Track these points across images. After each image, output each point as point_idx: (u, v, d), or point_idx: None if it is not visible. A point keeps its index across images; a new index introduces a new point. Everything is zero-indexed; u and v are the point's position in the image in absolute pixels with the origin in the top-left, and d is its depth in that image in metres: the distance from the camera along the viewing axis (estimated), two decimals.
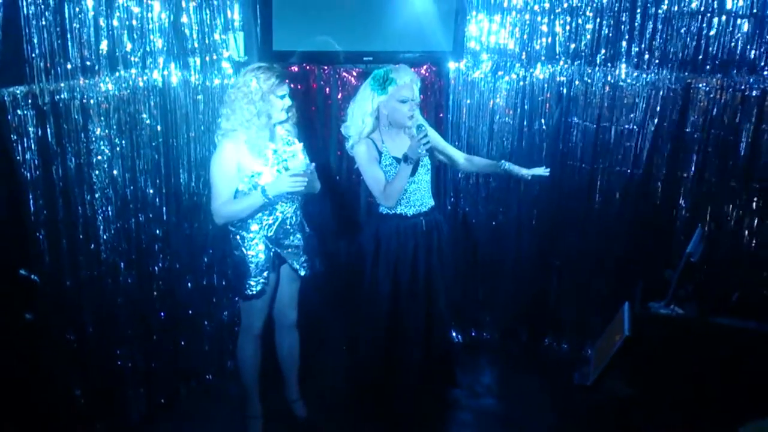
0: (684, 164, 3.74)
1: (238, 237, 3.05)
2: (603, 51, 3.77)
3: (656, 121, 3.74)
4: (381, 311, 3.37)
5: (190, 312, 3.69)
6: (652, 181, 3.84)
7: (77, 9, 2.84)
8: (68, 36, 2.82)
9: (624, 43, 3.71)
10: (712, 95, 3.59)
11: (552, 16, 3.80)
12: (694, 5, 3.52)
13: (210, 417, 3.56)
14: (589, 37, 3.77)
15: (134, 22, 3.11)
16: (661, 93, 3.70)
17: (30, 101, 2.69)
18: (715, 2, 3.47)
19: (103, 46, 2.98)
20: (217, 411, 3.59)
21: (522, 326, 4.34)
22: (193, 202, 3.56)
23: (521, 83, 3.94)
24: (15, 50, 2.63)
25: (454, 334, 4.25)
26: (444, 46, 3.82)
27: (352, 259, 3.66)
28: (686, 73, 3.63)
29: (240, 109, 2.93)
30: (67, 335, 3.03)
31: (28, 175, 2.75)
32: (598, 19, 3.73)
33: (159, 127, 3.32)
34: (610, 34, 3.73)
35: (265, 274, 3.08)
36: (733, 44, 3.49)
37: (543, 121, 3.98)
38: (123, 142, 3.15)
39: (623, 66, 3.74)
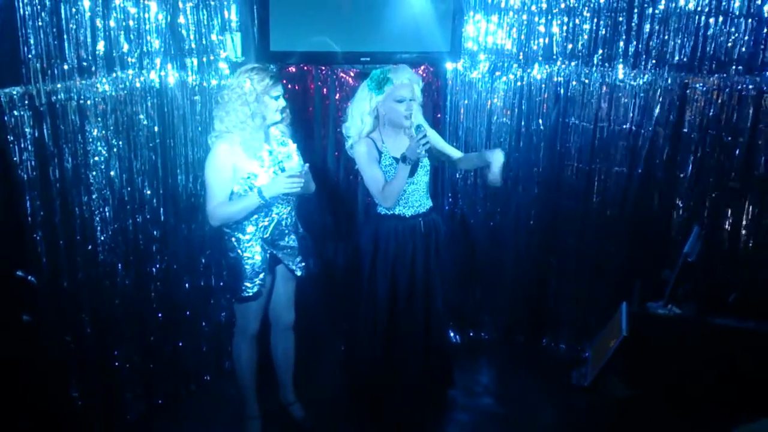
0: (681, 164, 3.74)
1: (233, 239, 3.04)
2: (600, 51, 3.77)
3: (653, 121, 3.74)
4: (379, 312, 3.37)
5: (188, 313, 3.68)
6: (649, 181, 3.85)
7: (74, 10, 2.83)
8: (65, 37, 2.81)
9: (621, 44, 3.72)
10: (709, 95, 3.59)
11: (549, 17, 3.80)
12: (690, 5, 3.52)
13: (208, 418, 3.55)
14: (586, 37, 3.78)
15: (131, 23, 3.10)
16: (658, 93, 3.70)
17: (27, 102, 2.69)
18: (712, 2, 3.48)
19: (100, 46, 2.98)
20: (216, 412, 3.59)
21: (520, 326, 4.34)
22: (190, 203, 3.55)
23: (519, 84, 3.95)
24: (11, 51, 2.63)
25: (452, 334, 4.25)
26: (441, 47, 3.82)
27: (350, 259, 3.66)
28: (683, 73, 3.63)
29: (234, 111, 2.92)
30: (64, 336, 3.03)
31: (25, 176, 2.74)
32: (595, 20, 3.73)
33: (156, 128, 3.32)
34: (608, 35, 3.74)
35: (261, 275, 3.07)
36: (730, 44, 3.49)
37: (540, 121, 3.98)
38: (120, 143, 3.15)
39: (620, 66, 3.75)
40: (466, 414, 3.68)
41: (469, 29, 3.88)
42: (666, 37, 3.62)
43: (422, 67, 3.86)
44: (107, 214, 3.14)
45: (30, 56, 2.68)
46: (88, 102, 2.95)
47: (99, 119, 3.02)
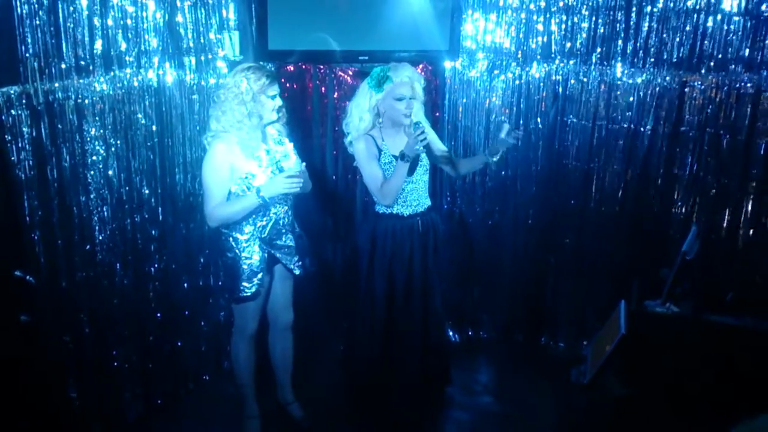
0: (679, 163, 3.75)
1: (230, 239, 3.03)
2: (598, 50, 3.77)
3: (652, 119, 3.75)
4: (376, 310, 3.37)
5: (187, 312, 3.68)
6: (647, 180, 3.85)
7: (71, 8, 2.82)
8: (62, 35, 2.80)
9: (620, 42, 3.72)
10: (707, 93, 3.59)
11: (548, 15, 3.80)
12: (689, 3, 3.53)
13: (207, 417, 3.55)
14: (584, 35, 3.78)
15: (129, 22, 3.09)
16: (656, 91, 3.71)
17: (24, 101, 2.68)
18: (710, 0, 3.48)
19: (98, 45, 2.96)
20: (214, 411, 3.59)
21: (518, 325, 4.35)
22: (188, 202, 3.55)
23: (517, 82, 3.95)
24: (9, 50, 2.62)
25: (450, 333, 4.26)
26: (440, 45, 3.82)
27: (348, 258, 3.66)
28: (682, 72, 3.64)
29: (231, 110, 2.91)
30: (63, 336, 3.02)
31: (23, 175, 2.73)
32: (593, 18, 3.73)
33: (154, 127, 3.31)
34: (606, 33, 3.74)
35: (259, 275, 3.07)
36: (728, 42, 3.49)
37: (539, 120, 3.99)
38: (118, 142, 3.14)
39: (619, 65, 3.75)
40: (464, 412, 3.68)
41: (468, 28, 3.88)
42: (664, 35, 3.62)
43: (420, 66, 3.85)
44: (105, 213, 3.13)
45: (27, 55, 2.66)
46: (86, 101, 2.94)
47: (97, 118, 3.01)
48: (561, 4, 3.76)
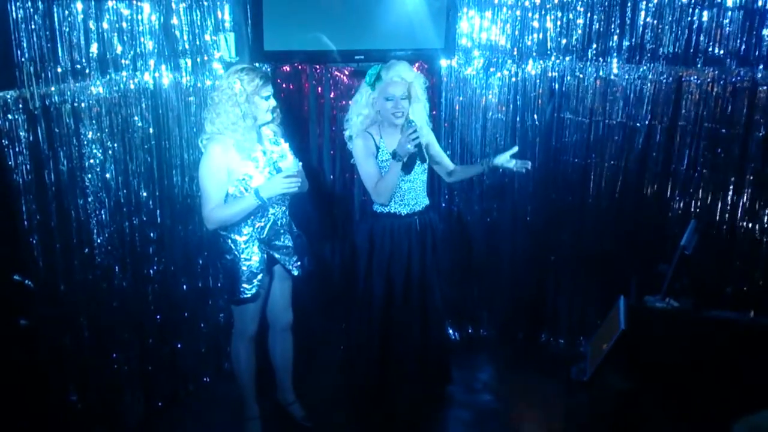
0: (677, 157, 3.75)
1: (229, 241, 3.03)
2: (594, 46, 3.77)
3: (648, 114, 3.75)
4: (375, 309, 3.38)
5: (186, 314, 3.67)
6: (645, 175, 3.85)
7: (66, 12, 2.82)
8: (58, 39, 2.80)
9: (615, 38, 3.72)
10: (704, 88, 3.59)
11: (543, 12, 3.81)
12: None
13: (208, 419, 3.55)
14: (580, 32, 3.78)
15: (124, 25, 3.09)
16: (653, 87, 3.70)
17: (21, 105, 2.68)
18: None
19: (94, 49, 2.96)
20: (215, 413, 3.59)
21: (518, 323, 4.34)
22: (186, 204, 3.55)
23: (513, 79, 3.95)
24: (4, 54, 2.61)
25: (450, 331, 4.26)
26: (435, 44, 3.82)
27: (347, 257, 3.66)
28: (678, 66, 3.63)
29: (225, 112, 2.90)
30: (62, 340, 3.02)
31: (20, 179, 2.73)
32: (588, 14, 3.74)
33: (151, 130, 3.31)
34: (601, 29, 3.74)
35: (259, 276, 3.06)
36: (723, 37, 3.49)
37: (536, 116, 3.99)
38: (115, 145, 3.14)
39: (615, 60, 3.75)
40: (465, 411, 3.68)
41: (463, 26, 3.89)
42: (660, 30, 3.62)
43: (416, 65, 3.86)
44: (103, 216, 3.13)
45: (23, 59, 2.66)
46: (83, 104, 2.94)
47: (93, 122, 3.01)
48: (556, 0, 3.76)
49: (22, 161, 2.72)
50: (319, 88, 3.97)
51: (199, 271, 3.70)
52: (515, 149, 3.32)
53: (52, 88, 2.79)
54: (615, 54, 3.74)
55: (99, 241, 3.12)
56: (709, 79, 3.56)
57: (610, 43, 3.73)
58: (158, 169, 3.39)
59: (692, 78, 3.61)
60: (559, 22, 3.80)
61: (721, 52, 3.51)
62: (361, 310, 3.44)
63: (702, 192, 3.72)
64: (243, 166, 2.93)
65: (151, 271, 3.46)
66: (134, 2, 3.12)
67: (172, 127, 3.41)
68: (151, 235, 3.42)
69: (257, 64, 3.60)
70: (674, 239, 3.51)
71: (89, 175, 3.03)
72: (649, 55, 3.67)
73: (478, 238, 4.24)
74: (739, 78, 3.49)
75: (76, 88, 2.90)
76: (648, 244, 3.85)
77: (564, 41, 3.82)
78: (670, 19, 3.58)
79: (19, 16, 2.63)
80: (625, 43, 3.70)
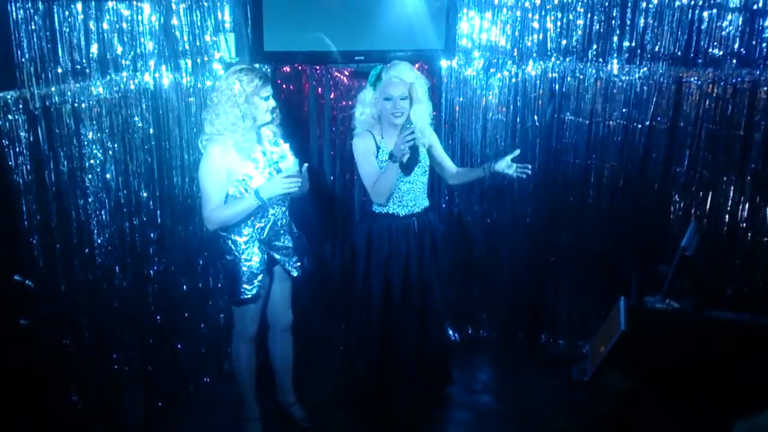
0: (677, 158, 3.75)
1: (229, 242, 3.03)
2: (594, 46, 3.77)
3: (649, 115, 3.75)
4: (373, 310, 3.39)
5: (186, 315, 3.67)
6: (645, 176, 3.85)
7: (67, 13, 2.82)
8: (58, 40, 2.80)
9: (615, 39, 3.72)
10: (704, 89, 3.60)
11: (543, 13, 3.80)
12: None
13: (208, 420, 3.55)
14: (580, 33, 3.78)
15: (124, 25, 3.09)
16: (653, 88, 3.71)
17: (21, 106, 2.68)
18: None
19: (94, 49, 2.96)
20: (215, 413, 3.58)
21: (518, 323, 4.34)
22: (187, 204, 3.54)
23: (513, 80, 3.95)
24: (5, 55, 2.62)
25: (450, 332, 4.26)
26: (436, 44, 3.82)
27: (347, 258, 3.67)
28: (678, 67, 3.64)
29: (225, 113, 2.90)
30: (63, 340, 3.02)
31: (21, 180, 2.73)
32: (589, 15, 3.74)
33: (151, 130, 3.31)
34: (602, 30, 3.74)
35: (260, 277, 3.06)
36: (724, 37, 3.49)
37: (536, 117, 3.99)
38: (115, 145, 3.14)
39: (615, 61, 3.75)
40: (465, 411, 3.67)
41: (463, 26, 3.89)
42: (660, 31, 3.62)
43: (417, 65, 3.85)
44: (104, 217, 3.13)
45: (23, 60, 2.66)
46: (83, 105, 2.94)
47: (94, 122, 3.01)
48: (556, 1, 3.76)
49: (22, 161, 2.72)
50: (319, 89, 3.98)
51: (199, 271, 3.70)
52: (516, 152, 3.29)
53: (53, 89, 2.79)
54: (615, 55, 3.74)
55: (99, 241, 3.12)
56: (709, 80, 3.57)
57: (611, 44, 3.74)
58: (158, 170, 3.39)
59: (692, 79, 3.62)
60: (559, 23, 3.80)
61: (721, 53, 3.51)
62: (360, 310, 3.44)
63: (702, 193, 3.72)
64: (243, 166, 2.93)
65: (152, 272, 3.46)
66: (134, 3, 3.12)
67: (173, 128, 3.41)
68: (152, 235, 3.42)
69: (257, 65, 3.59)
70: (674, 240, 3.51)
71: (89, 176, 3.03)
72: (649, 56, 3.68)
73: (479, 239, 4.24)
74: (739, 79, 3.49)
75: (77, 88, 2.90)
76: (648, 245, 3.85)
77: (564, 42, 3.82)
78: (670, 20, 3.58)
79: (20, 16, 2.63)
80: (625, 44, 3.71)
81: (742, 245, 3.63)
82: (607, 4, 3.69)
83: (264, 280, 3.10)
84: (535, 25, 3.83)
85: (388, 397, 3.51)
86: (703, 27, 3.53)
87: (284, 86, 3.92)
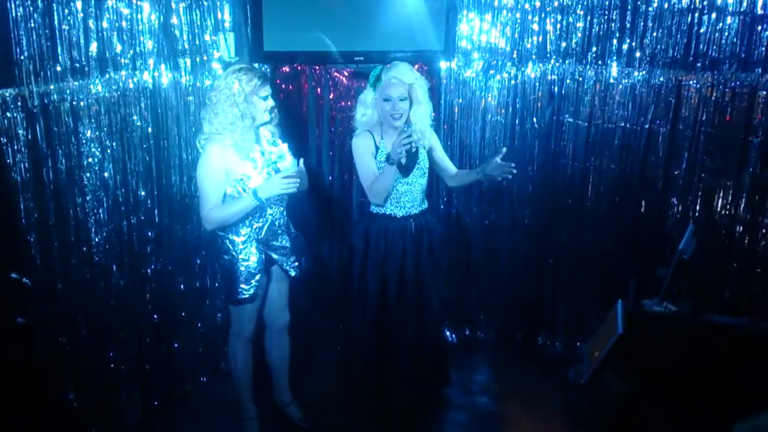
0: (676, 161, 3.75)
1: (227, 242, 3.03)
2: (594, 49, 3.77)
3: (648, 118, 3.75)
4: (369, 310, 3.38)
5: (184, 314, 3.67)
6: (644, 179, 3.85)
7: (66, 11, 2.81)
8: (57, 38, 2.79)
9: (615, 41, 3.72)
10: (703, 92, 3.60)
11: (543, 15, 3.80)
12: (684, 2, 3.54)
13: (205, 419, 3.55)
14: (580, 35, 3.78)
15: (124, 24, 3.09)
16: (652, 91, 3.71)
17: (19, 104, 2.67)
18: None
19: (93, 47, 2.96)
20: (213, 413, 3.58)
21: (516, 325, 4.34)
22: (184, 203, 3.54)
23: (513, 82, 3.95)
24: (3, 52, 2.61)
25: (448, 333, 4.26)
26: (435, 45, 3.82)
27: (344, 258, 3.67)
28: (677, 71, 3.64)
29: (223, 112, 2.90)
30: (60, 338, 3.01)
31: (19, 178, 2.72)
32: (588, 17, 3.74)
33: (150, 129, 3.30)
34: (601, 32, 3.74)
35: (257, 277, 3.06)
36: (723, 41, 3.50)
37: (535, 119, 3.99)
38: (114, 144, 3.13)
39: (614, 64, 3.75)
40: (463, 412, 3.67)
41: (463, 28, 3.89)
42: (659, 34, 3.62)
43: (416, 66, 3.85)
44: (101, 215, 3.12)
45: (22, 58, 2.65)
46: (82, 103, 2.94)
47: (92, 120, 3.00)
48: (556, 3, 3.76)
49: (20, 159, 2.71)
50: (319, 89, 3.98)
51: (196, 270, 3.70)
52: (503, 151, 3.18)
53: (51, 87, 2.79)
54: (614, 57, 3.74)
55: (97, 239, 3.11)
56: (708, 84, 3.57)
57: (610, 46, 3.74)
58: (157, 169, 3.38)
59: (691, 82, 3.62)
60: (558, 26, 3.80)
61: (721, 56, 3.52)
62: (356, 311, 3.44)
63: (700, 196, 3.72)
64: (241, 166, 2.93)
65: (149, 271, 3.45)
66: (134, 1, 3.11)
67: (171, 127, 3.41)
68: (149, 234, 3.41)
69: (256, 65, 3.59)
70: (672, 243, 3.52)
71: (87, 174, 3.02)
72: (648, 59, 3.68)
73: (477, 240, 4.24)
74: (738, 83, 3.50)
75: (75, 86, 2.89)
76: (646, 248, 3.85)
77: (564, 44, 3.82)
78: (669, 23, 3.59)
79: (19, 14, 2.62)
80: (625, 47, 3.71)
81: (740, 249, 3.63)
82: (606, 6, 3.69)
83: (261, 280, 3.10)
84: (535, 27, 3.83)
85: (385, 397, 3.50)
86: (702, 30, 3.53)
87: (283, 86, 3.92)
